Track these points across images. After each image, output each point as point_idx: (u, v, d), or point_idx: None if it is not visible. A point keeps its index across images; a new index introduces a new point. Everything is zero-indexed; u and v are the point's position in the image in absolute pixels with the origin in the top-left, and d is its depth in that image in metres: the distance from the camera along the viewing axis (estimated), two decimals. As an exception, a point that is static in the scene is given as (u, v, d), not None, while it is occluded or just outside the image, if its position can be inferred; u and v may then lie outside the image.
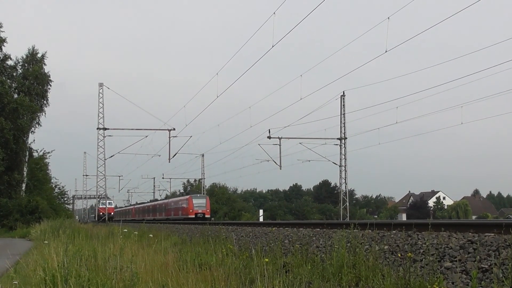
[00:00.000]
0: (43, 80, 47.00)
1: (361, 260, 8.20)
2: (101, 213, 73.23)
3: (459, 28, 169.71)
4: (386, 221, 13.41)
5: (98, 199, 75.87)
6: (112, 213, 78.44)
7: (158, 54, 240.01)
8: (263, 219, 77.29)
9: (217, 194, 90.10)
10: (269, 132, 46.25)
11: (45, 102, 47.87)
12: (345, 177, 47.74)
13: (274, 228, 15.03)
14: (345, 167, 47.62)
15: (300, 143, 48.53)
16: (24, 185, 46.46)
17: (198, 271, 8.98)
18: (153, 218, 67.63)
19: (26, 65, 47.26)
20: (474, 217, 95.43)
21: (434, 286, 6.53)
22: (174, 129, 49.23)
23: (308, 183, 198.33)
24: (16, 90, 45.43)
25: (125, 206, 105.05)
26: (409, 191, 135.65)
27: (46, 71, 47.83)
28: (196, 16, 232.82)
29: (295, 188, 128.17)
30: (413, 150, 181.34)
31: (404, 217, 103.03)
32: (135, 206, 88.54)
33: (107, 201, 77.46)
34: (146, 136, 50.37)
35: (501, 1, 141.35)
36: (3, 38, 43.36)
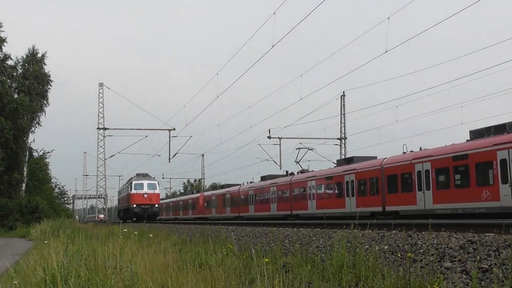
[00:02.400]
0: (43, 80, 46.97)
1: (361, 260, 8.20)
2: (134, 205, 43.87)
3: (460, 28, 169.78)
4: (386, 221, 13.40)
5: (129, 180, 48.04)
6: (157, 206, 45.91)
7: (159, 54, 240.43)
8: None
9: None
10: (269, 132, 46.21)
11: (45, 102, 47.87)
12: (345, 177, 47.60)
13: (274, 228, 15.02)
14: (345, 167, 47.53)
15: (300, 143, 48.43)
16: (24, 185, 46.43)
17: (198, 271, 8.97)
18: (287, 215, 33.86)
19: (26, 65, 47.22)
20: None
21: (434, 286, 6.52)
22: (174, 129, 49.08)
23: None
24: (16, 90, 45.39)
25: (177, 196, 70.56)
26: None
27: (46, 71, 47.85)
28: (197, 16, 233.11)
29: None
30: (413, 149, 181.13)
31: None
32: (209, 193, 53.24)
33: (147, 182, 45.19)
34: (146, 136, 50.01)
35: (502, 1, 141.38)
36: (3, 38, 43.30)
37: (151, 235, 13.69)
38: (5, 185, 42.11)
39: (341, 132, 47.91)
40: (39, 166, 53.39)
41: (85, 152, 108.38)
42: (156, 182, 46.81)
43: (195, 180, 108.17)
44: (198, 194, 56.75)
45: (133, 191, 44.59)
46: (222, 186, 52.28)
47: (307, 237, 11.96)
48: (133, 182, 45.42)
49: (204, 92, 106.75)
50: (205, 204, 52.51)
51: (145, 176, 47.65)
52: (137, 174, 48.54)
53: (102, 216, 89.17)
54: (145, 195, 44.27)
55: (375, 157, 28.78)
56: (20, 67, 46.99)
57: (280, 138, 48.00)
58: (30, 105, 42.89)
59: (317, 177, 31.62)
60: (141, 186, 44.76)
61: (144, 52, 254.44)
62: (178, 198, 65.55)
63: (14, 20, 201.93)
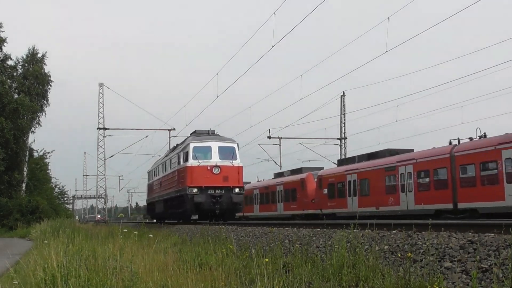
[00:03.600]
0: (43, 80, 46.99)
1: (361, 260, 8.20)
2: (194, 190, 24.19)
3: (459, 28, 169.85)
4: (386, 221, 13.40)
5: (180, 144, 28.09)
6: (239, 190, 24.82)
7: (159, 54, 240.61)
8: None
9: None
10: (269, 132, 46.12)
11: (45, 102, 47.88)
12: (345, 177, 47.38)
13: (274, 228, 15.01)
14: (345, 167, 47.33)
15: (300, 143, 48.35)
16: (24, 185, 46.45)
17: (198, 271, 8.98)
18: None
19: (26, 65, 47.23)
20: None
21: (434, 286, 6.53)
22: (174, 129, 48.97)
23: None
24: (16, 90, 45.42)
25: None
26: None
27: (46, 71, 47.87)
28: (197, 16, 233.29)
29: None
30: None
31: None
32: (335, 171, 32.01)
33: (218, 144, 25.02)
34: (146, 136, 49.61)
35: (502, 1, 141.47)
36: (3, 38, 43.28)
37: (151, 235, 13.69)
38: (5, 185, 42.15)
39: (341, 132, 47.97)
40: (39, 166, 53.40)
41: (85, 152, 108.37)
42: (235, 145, 25.12)
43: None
44: (303, 175, 34.82)
45: (192, 162, 24.02)
46: (371, 156, 29.32)
47: (307, 237, 11.95)
48: (191, 145, 24.55)
49: (204, 92, 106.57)
50: (325, 191, 31.67)
51: (212, 134, 26.26)
52: (195, 132, 26.87)
53: (100, 216, 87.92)
54: (216, 170, 23.86)
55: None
56: (20, 67, 47.03)
57: (280, 138, 48.09)
58: (30, 105, 42.91)
59: None
60: (206, 152, 24.37)
61: (144, 52, 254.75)
62: (255, 185, 42.12)
63: (14, 20, 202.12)
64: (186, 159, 25.25)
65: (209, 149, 24.79)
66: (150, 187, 37.50)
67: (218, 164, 24.40)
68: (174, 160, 27.99)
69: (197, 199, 24.11)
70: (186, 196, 24.58)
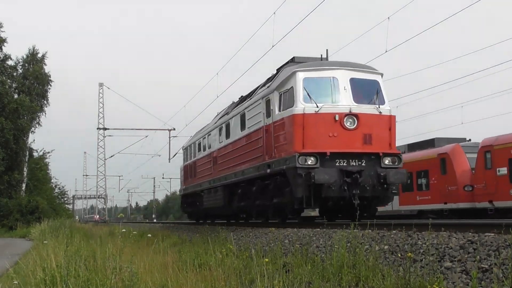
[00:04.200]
0: (43, 80, 46.99)
1: (361, 260, 8.19)
2: (309, 161, 12.33)
3: (459, 28, 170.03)
4: (386, 221, 13.39)
5: (274, 76, 14.82)
6: (392, 159, 13.29)
7: (159, 54, 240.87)
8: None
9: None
10: (270, 131, 45.53)
11: (45, 102, 47.88)
12: (345, 177, 47.07)
13: (274, 228, 15.01)
14: (345, 167, 46.99)
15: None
16: (24, 185, 46.46)
17: (197, 271, 8.97)
18: None
19: (26, 65, 47.23)
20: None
21: (434, 286, 6.52)
22: (174, 129, 48.81)
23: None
24: (16, 90, 45.43)
25: None
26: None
27: (46, 71, 47.87)
28: (197, 16, 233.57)
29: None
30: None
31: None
32: None
33: (351, 75, 13.30)
34: (146, 136, 49.47)
35: (502, 1, 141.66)
36: (3, 38, 43.30)
37: (149, 235, 13.70)
38: (5, 185, 42.16)
39: (341, 132, 47.80)
40: (39, 166, 53.40)
41: (85, 152, 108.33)
42: (379, 78, 13.96)
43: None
44: (442, 149, 23.02)
45: (304, 108, 12.75)
46: None
47: (307, 237, 11.95)
48: (300, 75, 13.03)
49: (204, 92, 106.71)
50: (500, 172, 20.18)
51: (333, 62, 14.20)
52: (293, 60, 14.88)
53: (99, 216, 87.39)
54: (350, 122, 12.76)
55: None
56: (20, 67, 47.03)
57: (280, 138, 47.79)
58: (30, 105, 42.91)
59: None
60: (328, 88, 13.14)
61: (144, 52, 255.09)
62: None
63: (15, 20, 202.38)
64: (290, 102, 13.49)
65: (334, 82, 13.46)
66: (189, 170, 24.79)
67: (353, 111, 13.20)
68: (255, 111, 15.64)
69: (319, 176, 12.56)
70: (295, 172, 12.96)
